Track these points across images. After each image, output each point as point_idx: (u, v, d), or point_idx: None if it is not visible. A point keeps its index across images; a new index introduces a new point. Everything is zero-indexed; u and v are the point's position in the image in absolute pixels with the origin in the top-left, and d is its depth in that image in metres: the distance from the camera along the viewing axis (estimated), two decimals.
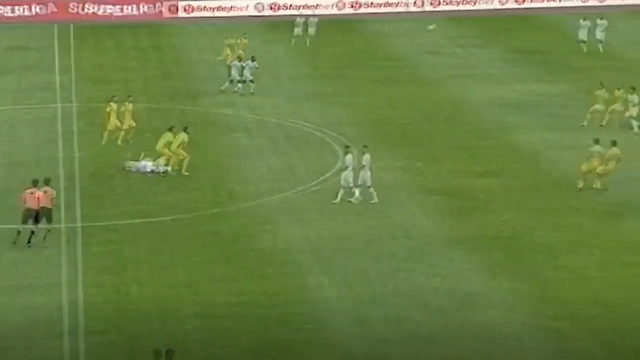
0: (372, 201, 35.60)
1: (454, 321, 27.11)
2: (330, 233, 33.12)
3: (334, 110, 48.41)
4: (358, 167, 35.96)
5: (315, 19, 64.23)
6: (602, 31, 59.89)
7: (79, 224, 33.91)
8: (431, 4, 75.19)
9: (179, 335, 26.04)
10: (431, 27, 63.37)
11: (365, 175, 35.66)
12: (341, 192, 35.73)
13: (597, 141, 37.38)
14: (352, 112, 48.31)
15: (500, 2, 76.03)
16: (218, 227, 33.80)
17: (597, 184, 36.73)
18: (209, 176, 38.80)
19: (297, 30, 63.16)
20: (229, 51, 54.92)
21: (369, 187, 35.70)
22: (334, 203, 35.56)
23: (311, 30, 63.08)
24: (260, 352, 25.60)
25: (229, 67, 51.64)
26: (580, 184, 36.72)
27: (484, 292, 28.81)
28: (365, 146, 36.88)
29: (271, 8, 74.74)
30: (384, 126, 45.98)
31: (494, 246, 32.07)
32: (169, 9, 73.31)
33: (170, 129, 39.68)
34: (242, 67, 50.95)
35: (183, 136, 39.19)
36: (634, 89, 44.89)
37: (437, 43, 64.21)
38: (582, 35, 60.09)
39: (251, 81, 50.73)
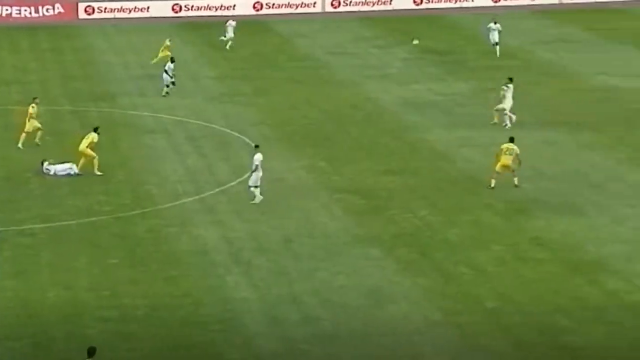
0: (252, 202, 35.60)
1: (359, 318, 27.41)
2: (230, 235, 33.28)
3: (241, 110, 48.57)
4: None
5: (234, 22, 63.85)
6: (497, 34, 59.85)
7: None
8: (332, 5, 75.73)
9: (84, 339, 25.85)
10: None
11: (258, 175, 35.65)
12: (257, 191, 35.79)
13: (512, 139, 37.68)
14: (256, 112, 48.49)
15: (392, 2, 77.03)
16: (135, 229, 33.71)
17: (514, 181, 37.15)
18: (126, 178, 38.63)
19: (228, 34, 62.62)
20: (168, 53, 55.08)
21: (256, 187, 35.66)
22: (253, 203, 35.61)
23: (230, 33, 62.78)
24: (166, 354, 25.58)
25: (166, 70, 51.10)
26: (493, 183, 37.23)
27: (388, 288, 29.20)
28: (257, 146, 36.87)
29: (175, 10, 74.53)
30: (288, 126, 46.25)
31: (397, 243, 32.50)
32: (75, 10, 72.68)
33: (95, 130, 39.56)
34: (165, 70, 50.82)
35: (93, 136, 39.05)
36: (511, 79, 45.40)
37: (340, 44, 64.73)
38: (494, 38, 59.82)
39: (173, 83, 50.60)
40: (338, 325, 26.99)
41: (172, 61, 51.31)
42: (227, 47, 62.20)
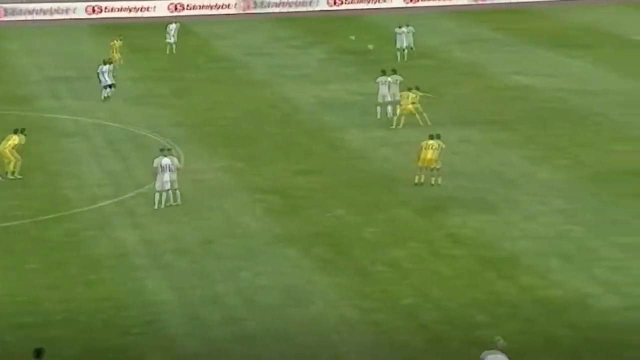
0: (173, 203, 35.67)
1: (280, 318, 27.66)
2: (152, 237, 33.35)
3: (160, 112, 48.57)
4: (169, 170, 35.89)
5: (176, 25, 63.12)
6: (409, 37, 59.51)
7: None
8: (248, 6, 75.93)
9: (0, 345, 25.77)
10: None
11: (172, 177, 35.58)
12: (170, 194, 35.82)
13: (432, 136, 38.15)
14: (175, 113, 48.54)
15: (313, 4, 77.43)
16: (52, 233, 33.57)
17: (437, 180, 37.64)
18: (43, 182, 38.41)
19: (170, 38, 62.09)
20: (116, 54, 54.90)
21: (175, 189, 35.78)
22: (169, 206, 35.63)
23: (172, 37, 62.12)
24: (87, 359, 25.58)
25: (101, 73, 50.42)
26: (417, 179, 37.69)
27: (306, 287, 29.49)
28: (169, 149, 36.84)
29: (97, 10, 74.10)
30: (206, 127, 46.38)
31: (315, 242, 32.82)
32: None
33: (15, 131, 39.16)
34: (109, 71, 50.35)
35: (14, 138, 38.71)
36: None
37: (257, 44, 64.99)
38: (400, 43, 59.56)
39: (113, 85, 50.16)
40: (259, 325, 27.19)
41: (109, 63, 50.88)
42: (168, 51, 61.55)
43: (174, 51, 61.54)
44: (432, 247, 32.42)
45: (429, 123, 44.66)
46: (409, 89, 45.61)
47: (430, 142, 37.83)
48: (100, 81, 50.30)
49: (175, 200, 35.87)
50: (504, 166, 40.58)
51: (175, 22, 63.36)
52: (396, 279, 30.09)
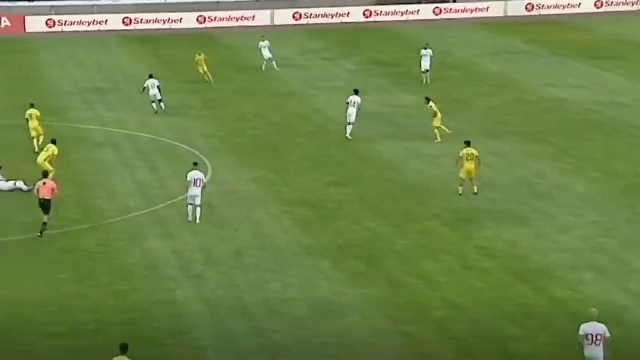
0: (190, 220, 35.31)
1: (308, 329, 27.52)
2: (185, 248, 33.33)
3: (190, 123, 48.61)
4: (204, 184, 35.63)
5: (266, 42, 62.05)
6: (428, 60, 57.24)
7: None
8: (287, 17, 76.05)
9: (30, 356, 25.77)
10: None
11: (196, 192, 35.00)
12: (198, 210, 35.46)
13: (468, 143, 38.00)
14: (206, 124, 48.56)
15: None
16: (83, 243, 33.55)
17: (475, 189, 37.55)
18: (75, 192, 38.40)
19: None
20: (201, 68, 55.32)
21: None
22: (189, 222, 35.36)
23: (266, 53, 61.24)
24: None
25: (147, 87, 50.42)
26: (461, 190, 37.61)
27: (336, 299, 29.32)
28: (196, 163, 36.61)
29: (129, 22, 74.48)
30: (237, 138, 46.37)
31: (346, 254, 32.67)
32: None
33: (53, 142, 39.40)
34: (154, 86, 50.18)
35: (53, 149, 38.90)
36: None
37: (288, 56, 65.00)
38: (425, 66, 57.20)
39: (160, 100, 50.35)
40: (288, 337, 27.06)
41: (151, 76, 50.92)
42: (263, 67, 60.88)
43: (276, 67, 60.51)
44: (464, 259, 32.20)
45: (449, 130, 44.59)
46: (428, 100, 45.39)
47: (471, 151, 37.61)
48: (149, 95, 50.27)
49: (194, 216, 35.20)
50: (537, 178, 40.30)
51: (263, 39, 62.06)
52: (427, 290, 29.90)
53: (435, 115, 45.12)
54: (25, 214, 36.20)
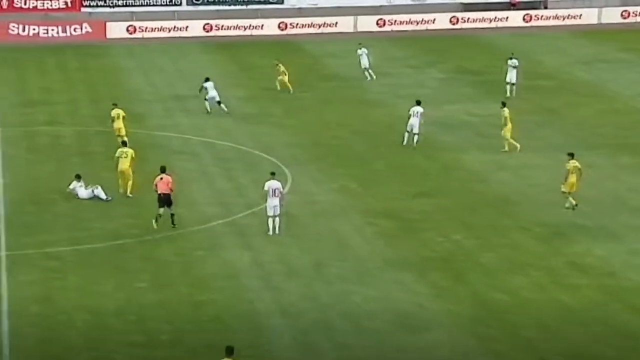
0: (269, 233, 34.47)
1: (391, 345, 26.71)
2: (268, 258, 32.60)
3: (271, 131, 48.00)
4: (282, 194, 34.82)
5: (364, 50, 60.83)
6: (514, 69, 54.76)
7: (3, 252, 32.97)
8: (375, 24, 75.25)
9: None
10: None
11: (274, 202, 34.20)
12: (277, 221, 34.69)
13: (572, 155, 36.95)
14: (287, 133, 47.89)
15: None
16: (162, 252, 33.09)
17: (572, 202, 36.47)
18: (153, 200, 37.74)
19: None
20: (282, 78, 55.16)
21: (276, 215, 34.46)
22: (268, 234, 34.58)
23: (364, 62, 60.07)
24: None
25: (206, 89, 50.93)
26: (573, 202, 36.50)
27: (420, 314, 28.47)
28: (273, 173, 35.75)
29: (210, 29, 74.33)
30: (319, 147, 45.57)
31: (430, 267, 31.74)
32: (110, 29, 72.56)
33: (124, 143, 39.41)
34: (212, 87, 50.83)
35: (131, 152, 38.64)
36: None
37: (373, 64, 64.00)
38: (511, 77, 54.64)
39: (219, 102, 50.72)
40: (370, 352, 26.33)
41: (208, 80, 51.21)
42: (368, 76, 59.46)
43: (373, 76, 59.60)
44: (553, 275, 31.05)
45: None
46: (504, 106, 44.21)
47: (576, 163, 36.41)
48: (206, 97, 50.65)
49: (274, 228, 34.36)
50: (630, 192, 38.87)
51: (360, 46, 61.06)
52: (515, 307, 28.83)
53: (505, 124, 43.84)
54: (104, 221, 35.92)
